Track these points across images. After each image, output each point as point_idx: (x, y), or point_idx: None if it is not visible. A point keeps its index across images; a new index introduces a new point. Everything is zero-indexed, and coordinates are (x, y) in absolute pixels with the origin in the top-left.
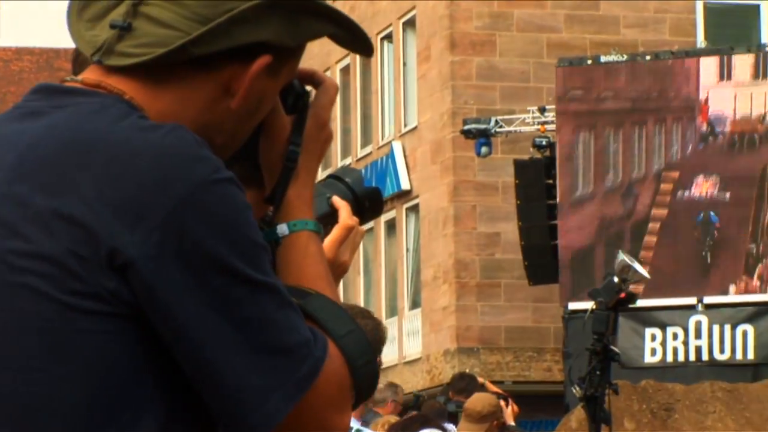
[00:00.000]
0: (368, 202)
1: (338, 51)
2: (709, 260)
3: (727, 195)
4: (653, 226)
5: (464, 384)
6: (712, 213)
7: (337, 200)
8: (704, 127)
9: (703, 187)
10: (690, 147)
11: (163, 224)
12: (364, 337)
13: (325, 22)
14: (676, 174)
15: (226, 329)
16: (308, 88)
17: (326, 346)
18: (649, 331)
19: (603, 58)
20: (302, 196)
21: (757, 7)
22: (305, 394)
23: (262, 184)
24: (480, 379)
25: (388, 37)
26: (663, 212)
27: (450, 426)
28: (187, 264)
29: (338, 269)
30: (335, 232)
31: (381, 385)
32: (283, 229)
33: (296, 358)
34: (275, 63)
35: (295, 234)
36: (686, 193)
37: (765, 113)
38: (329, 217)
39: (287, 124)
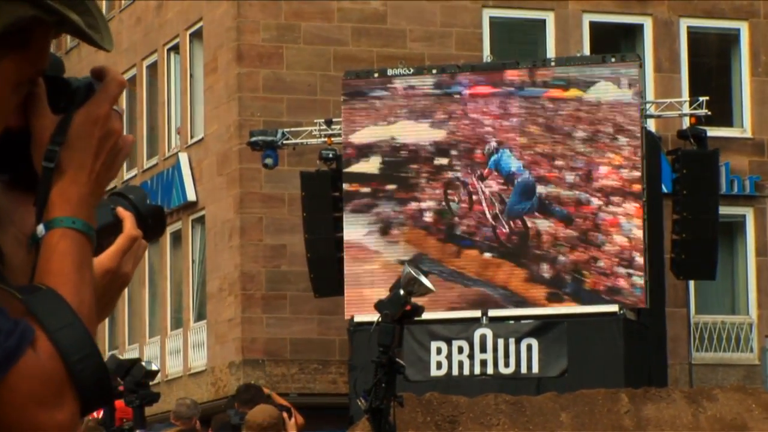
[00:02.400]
0: (151, 220)
1: (124, 61)
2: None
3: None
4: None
5: (249, 395)
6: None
7: (121, 211)
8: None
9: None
10: None
11: None
12: (84, 332)
13: (24, 4)
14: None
15: None
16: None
17: (26, 338)
18: (434, 345)
19: (390, 71)
20: (66, 194)
21: (543, 21)
22: (12, 364)
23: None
24: (266, 390)
25: (175, 49)
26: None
27: None
28: None
29: (120, 280)
30: (119, 241)
31: (188, 401)
32: (40, 229)
33: (7, 335)
34: None
35: (49, 232)
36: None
37: None
38: (113, 227)
39: (50, 125)
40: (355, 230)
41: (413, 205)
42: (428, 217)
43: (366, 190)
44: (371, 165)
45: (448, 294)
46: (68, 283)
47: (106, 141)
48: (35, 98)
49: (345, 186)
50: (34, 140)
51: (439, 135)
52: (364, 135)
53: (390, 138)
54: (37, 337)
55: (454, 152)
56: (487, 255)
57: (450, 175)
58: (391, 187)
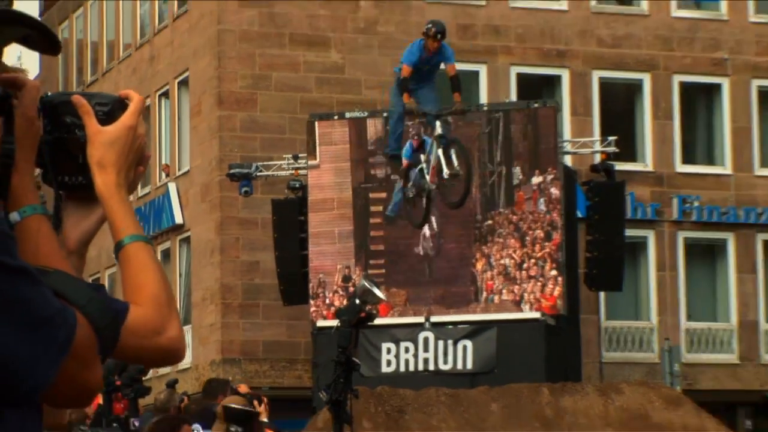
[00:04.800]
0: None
1: (149, 85)
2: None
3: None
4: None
5: (212, 388)
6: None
7: (123, 91)
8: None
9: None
10: None
11: None
12: (104, 303)
13: (20, 26)
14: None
15: (18, 300)
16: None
17: (75, 314)
18: (385, 345)
19: (347, 114)
20: (25, 183)
21: (477, 72)
22: (65, 358)
23: None
24: (242, 387)
25: (166, 95)
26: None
27: (196, 425)
28: None
29: (138, 139)
30: (134, 104)
31: (163, 394)
32: (14, 216)
33: (54, 327)
34: None
35: (26, 219)
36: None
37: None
38: (119, 103)
39: None
40: None
41: None
42: None
43: None
44: None
45: None
46: (62, 262)
47: (37, 136)
48: None
49: None
50: None
51: None
52: None
53: None
54: (75, 314)
55: None
56: None
57: None
58: None
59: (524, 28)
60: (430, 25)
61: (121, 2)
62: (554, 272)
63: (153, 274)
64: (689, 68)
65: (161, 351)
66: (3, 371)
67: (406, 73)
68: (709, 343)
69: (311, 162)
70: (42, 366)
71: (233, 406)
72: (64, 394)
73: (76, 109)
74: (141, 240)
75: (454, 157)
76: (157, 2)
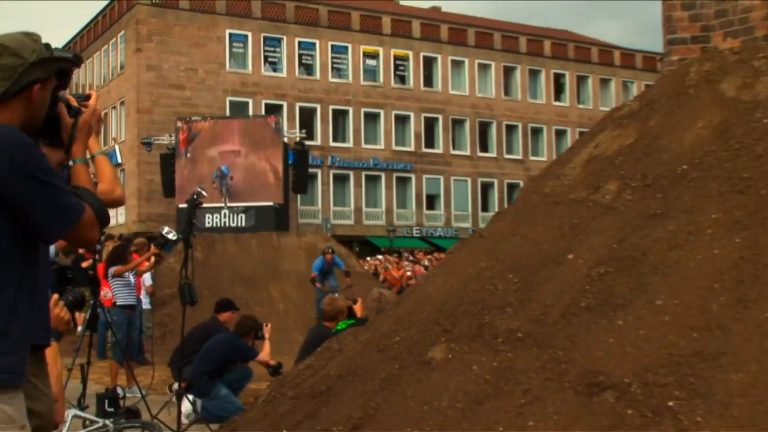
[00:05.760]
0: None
1: (107, 102)
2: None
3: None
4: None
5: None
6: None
7: (89, 91)
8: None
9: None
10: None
11: (10, 162)
12: (101, 203)
13: (62, 62)
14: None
15: (52, 198)
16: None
17: (84, 206)
18: (207, 214)
19: (194, 118)
20: (79, 149)
21: (247, 103)
22: (81, 218)
23: (62, 146)
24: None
25: (114, 108)
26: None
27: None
28: (22, 177)
29: (96, 112)
30: (93, 97)
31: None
32: (70, 163)
33: (77, 207)
34: (44, 85)
35: (76, 165)
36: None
37: None
38: (87, 98)
39: (70, 122)
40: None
41: None
42: None
43: None
44: None
45: None
46: (88, 184)
47: (90, 131)
48: (62, 109)
49: None
50: (62, 128)
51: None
52: None
53: None
54: (85, 206)
55: None
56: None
57: None
58: None
59: (267, 84)
60: (328, 249)
61: (95, 65)
62: (278, 185)
63: (109, 168)
64: (339, 103)
65: (113, 200)
66: (62, 219)
67: (314, 275)
68: (342, 217)
69: (178, 138)
70: (75, 214)
71: (164, 233)
72: (80, 240)
73: (68, 100)
74: (102, 154)
75: None
76: (110, 65)
